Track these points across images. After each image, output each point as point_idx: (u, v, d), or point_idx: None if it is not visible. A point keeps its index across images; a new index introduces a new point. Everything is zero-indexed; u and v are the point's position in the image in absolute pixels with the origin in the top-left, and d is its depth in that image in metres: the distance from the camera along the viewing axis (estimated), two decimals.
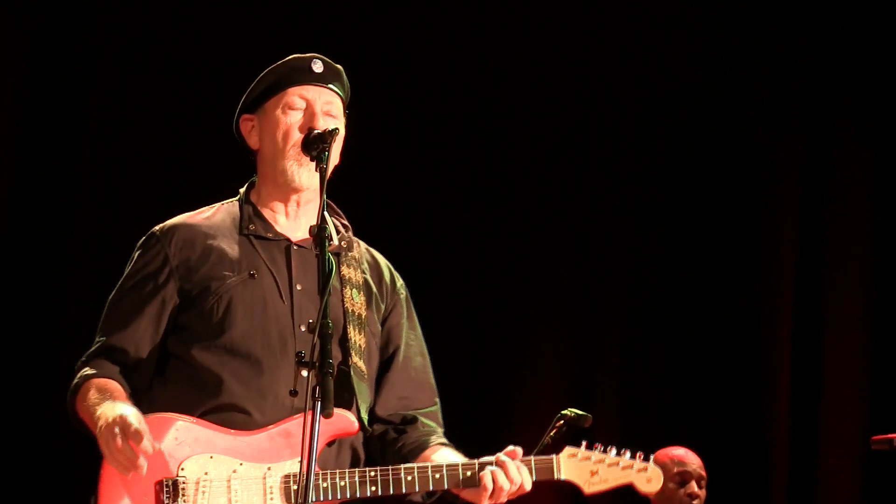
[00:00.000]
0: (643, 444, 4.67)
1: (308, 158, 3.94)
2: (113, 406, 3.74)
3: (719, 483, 6.16)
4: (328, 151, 3.81)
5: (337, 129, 3.86)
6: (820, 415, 6.44)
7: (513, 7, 6.70)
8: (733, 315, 6.57)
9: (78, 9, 6.47)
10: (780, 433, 6.46)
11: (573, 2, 6.71)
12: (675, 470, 5.92)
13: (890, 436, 5.09)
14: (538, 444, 4.53)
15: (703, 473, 6.07)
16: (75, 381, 3.93)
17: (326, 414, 3.42)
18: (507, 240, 6.65)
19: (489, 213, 6.66)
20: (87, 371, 3.91)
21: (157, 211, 6.28)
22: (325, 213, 4.10)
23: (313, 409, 3.40)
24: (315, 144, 3.84)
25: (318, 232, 3.66)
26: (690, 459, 6.03)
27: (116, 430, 3.63)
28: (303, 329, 3.94)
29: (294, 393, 3.58)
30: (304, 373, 3.56)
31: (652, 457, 3.87)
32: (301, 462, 3.40)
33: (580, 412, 4.50)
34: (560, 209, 6.68)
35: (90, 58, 6.48)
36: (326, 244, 3.66)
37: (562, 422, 4.40)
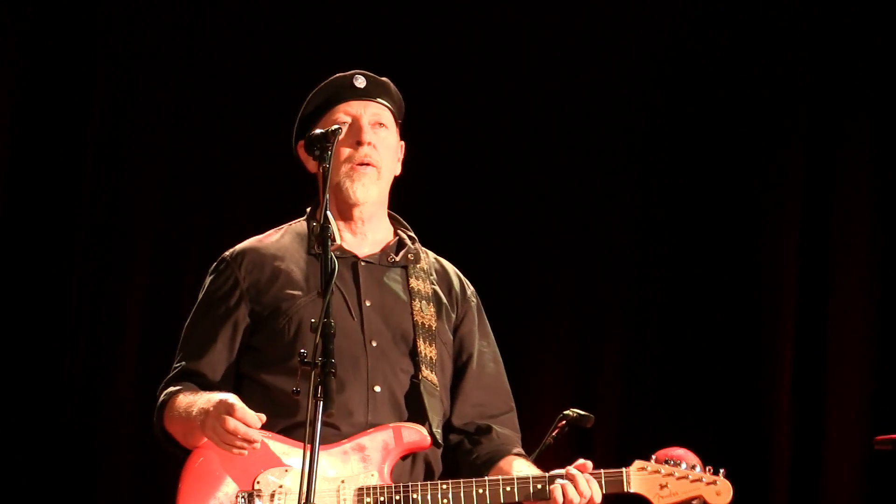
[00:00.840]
0: (645, 444, 4.70)
1: (362, 173, 4.01)
2: (209, 396, 3.83)
3: None
4: (329, 151, 3.80)
5: (339, 128, 3.85)
6: (823, 415, 6.44)
7: (522, 15, 6.74)
8: (736, 315, 6.55)
9: (80, 7, 6.47)
10: (783, 433, 6.44)
11: (575, 11, 6.73)
12: None
13: (893, 436, 5.11)
14: (540, 444, 4.56)
15: None
16: (161, 399, 3.99)
17: (328, 414, 3.46)
18: (508, 240, 6.64)
19: (491, 214, 6.66)
20: (171, 389, 3.99)
21: (160, 212, 6.40)
22: (391, 225, 4.20)
23: (314, 408, 3.44)
24: (317, 144, 3.84)
25: (321, 232, 3.68)
26: (689, 460, 6.03)
27: (222, 412, 3.71)
28: (374, 344, 3.99)
29: (296, 392, 3.60)
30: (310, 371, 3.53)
31: (721, 470, 3.91)
32: (304, 462, 3.42)
33: (582, 412, 4.53)
34: (563, 213, 6.68)
35: (92, 60, 6.47)
36: (329, 244, 3.67)
37: (564, 422, 4.43)
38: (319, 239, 3.66)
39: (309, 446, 3.43)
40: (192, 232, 6.43)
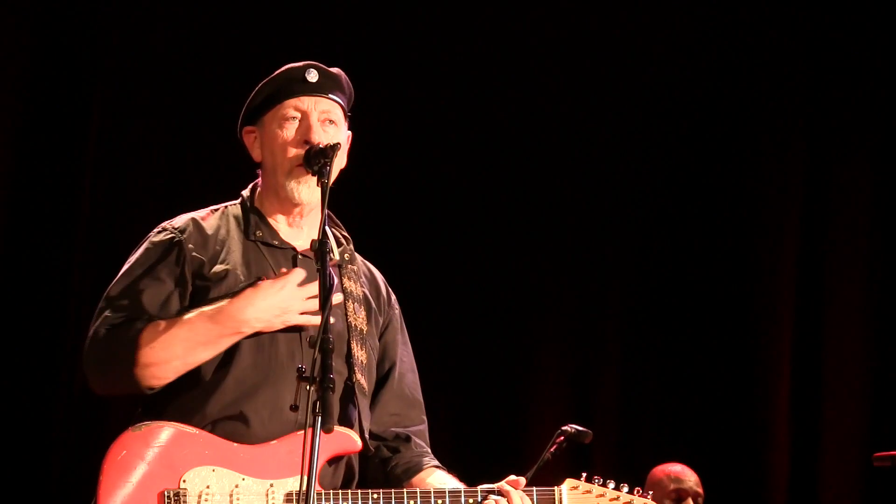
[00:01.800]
0: (643, 459, 4.70)
1: (309, 174, 3.90)
2: (227, 301, 3.82)
3: (719, 500, 6.20)
4: (329, 166, 3.78)
5: (339, 143, 3.83)
6: (820, 431, 6.49)
7: (518, 13, 6.66)
8: (733, 330, 6.60)
9: (82, 9, 6.35)
10: (780, 450, 6.50)
11: (575, 16, 6.68)
12: (672, 487, 5.89)
13: (891, 452, 5.15)
14: (538, 459, 4.54)
15: (700, 490, 6.06)
16: (128, 333, 3.80)
17: (327, 429, 3.40)
18: (506, 254, 6.64)
19: (488, 225, 6.65)
20: (140, 321, 3.82)
21: (163, 214, 6.26)
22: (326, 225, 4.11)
23: (314, 424, 3.38)
24: (316, 159, 3.82)
25: (320, 246, 3.64)
26: (687, 476, 6.03)
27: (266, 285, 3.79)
28: (309, 343, 3.90)
29: (295, 408, 3.54)
30: (307, 386, 3.51)
31: (651, 493, 3.90)
32: (302, 478, 3.36)
33: (580, 428, 4.53)
34: (561, 222, 6.68)
35: (94, 61, 6.41)
36: (327, 259, 3.63)
37: (562, 437, 4.43)
38: (318, 253, 3.62)
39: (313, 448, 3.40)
40: None
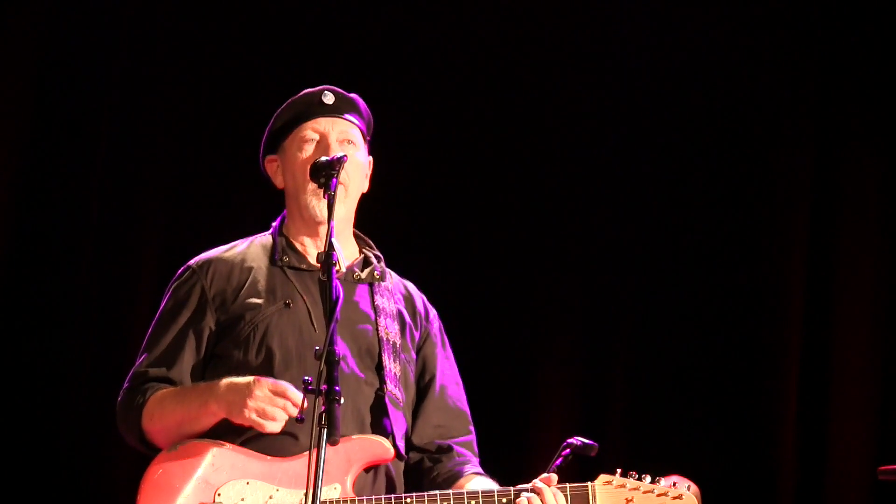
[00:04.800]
0: (651, 473, 4.56)
1: (317, 187, 3.97)
2: (231, 378, 3.82)
3: None
4: (336, 178, 3.82)
5: (345, 156, 3.87)
6: (827, 445, 6.41)
7: (527, 22, 6.74)
8: (741, 344, 6.55)
9: (91, 19, 6.44)
10: (787, 464, 6.42)
11: (583, 26, 6.75)
12: None
13: None
14: (543, 472, 4.51)
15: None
16: (138, 400, 3.91)
17: (332, 441, 3.43)
18: (513, 265, 6.65)
19: (494, 236, 6.66)
20: (149, 388, 3.92)
21: (170, 226, 6.39)
22: (356, 243, 4.19)
23: (319, 436, 3.41)
24: (322, 171, 3.86)
25: (325, 259, 3.69)
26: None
27: (261, 383, 3.75)
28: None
29: (301, 420, 3.57)
30: (314, 398, 3.50)
31: (689, 484, 3.87)
32: (308, 492, 3.40)
33: (586, 441, 4.50)
34: (568, 232, 6.69)
35: (102, 77, 6.46)
36: (333, 271, 3.67)
37: (568, 450, 4.40)
38: (324, 266, 3.67)
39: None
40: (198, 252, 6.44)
